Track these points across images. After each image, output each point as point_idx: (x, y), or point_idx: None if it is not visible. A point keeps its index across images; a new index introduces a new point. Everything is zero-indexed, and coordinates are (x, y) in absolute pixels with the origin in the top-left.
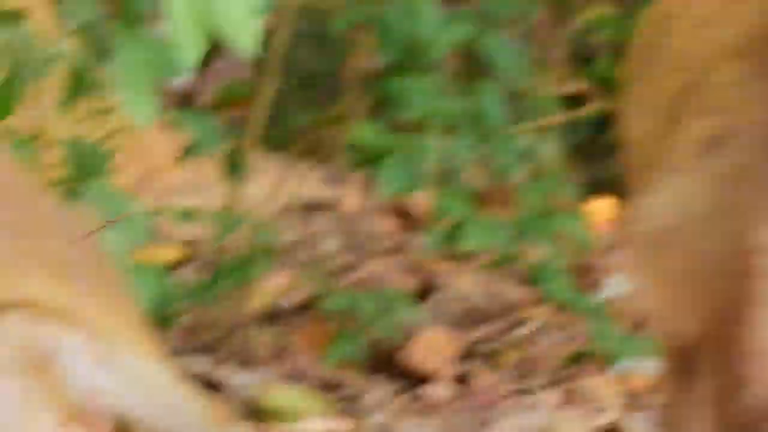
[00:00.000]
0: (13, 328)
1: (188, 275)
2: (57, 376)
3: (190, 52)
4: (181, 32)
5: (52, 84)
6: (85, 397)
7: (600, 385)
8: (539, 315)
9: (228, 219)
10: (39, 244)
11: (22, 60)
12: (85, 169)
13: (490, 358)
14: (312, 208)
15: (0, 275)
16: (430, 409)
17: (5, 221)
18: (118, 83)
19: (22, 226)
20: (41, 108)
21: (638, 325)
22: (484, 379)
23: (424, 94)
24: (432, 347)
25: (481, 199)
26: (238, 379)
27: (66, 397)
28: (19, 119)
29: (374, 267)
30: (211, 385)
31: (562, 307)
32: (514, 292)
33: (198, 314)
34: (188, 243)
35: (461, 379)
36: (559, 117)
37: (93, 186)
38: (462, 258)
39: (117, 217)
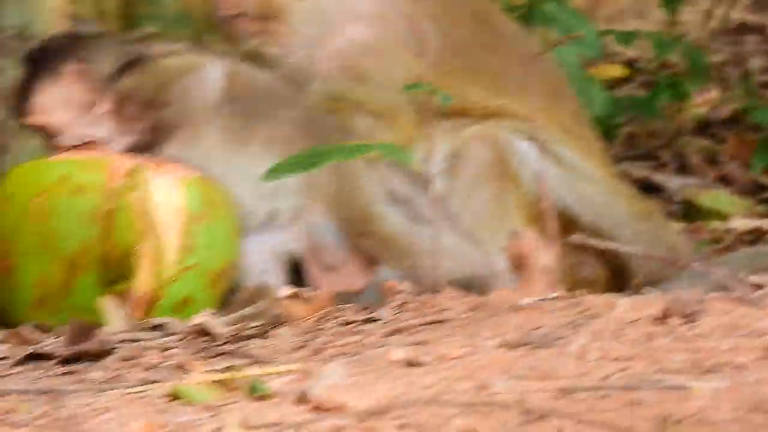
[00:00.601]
0: (483, 136)
1: (630, 91)
2: (516, 178)
3: None
4: None
5: None
6: (536, 193)
7: None
8: None
9: (666, 40)
10: (503, 59)
11: None
12: None
13: None
14: (740, 31)
15: (472, 88)
16: None
17: (471, 42)
18: None
19: (484, 45)
20: None
21: None
22: None
23: None
24: None
25: None
26: (674, 183)
27: (527, 198)
28: None
29: None
30: (650, 189)
31: None
32: None
33: (638, 126)
34: (630, 62)
35: None
36: None
37: (551, 7)
38: None
39: (571, 35)
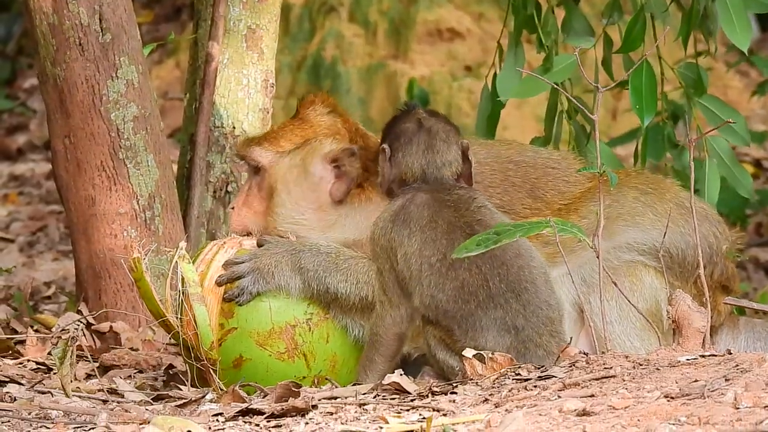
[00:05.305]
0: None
1: (759, 186)
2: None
3: None
4: None
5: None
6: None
7: None
8: None
9: None
10: None
11: (648, 3)
12: (693, 84)
13: None
14: None
15: None
16: None
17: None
18: (721, 15)
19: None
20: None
21: None
22: None
23: None
24: None
25: None
26: None
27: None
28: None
29: None
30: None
31: None
32: None
33: (766, 216)
34: (758, 161)
35: None
36: None
37: (702, 99)
38: None
39: (720, 123)
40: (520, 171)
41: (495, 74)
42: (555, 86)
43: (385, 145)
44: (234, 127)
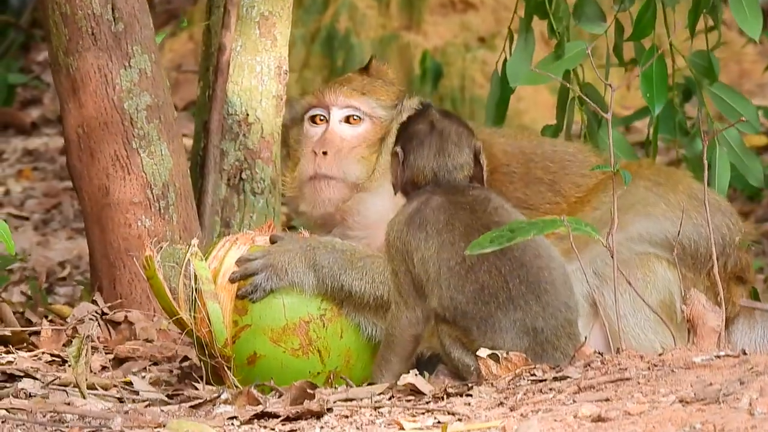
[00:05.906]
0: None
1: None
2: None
3: None
4: None
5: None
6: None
7: None
8: None
9: None
10: None
11: None
12: (704, 72)
13: None
14: None
15: None
16: None
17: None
18: (732, 2)
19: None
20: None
21: None
22: None
23: None
24: None
25: None
26: None
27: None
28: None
29: None
30: None
31: None
32: None
33: None
34: None
35: None
36: None
37: (713, 86)
38: None
39: (735, 122)
40: (540, 164)
41: (505, 60)
42: (563, 82)
43: (398, 148)
44: (247, 115)
